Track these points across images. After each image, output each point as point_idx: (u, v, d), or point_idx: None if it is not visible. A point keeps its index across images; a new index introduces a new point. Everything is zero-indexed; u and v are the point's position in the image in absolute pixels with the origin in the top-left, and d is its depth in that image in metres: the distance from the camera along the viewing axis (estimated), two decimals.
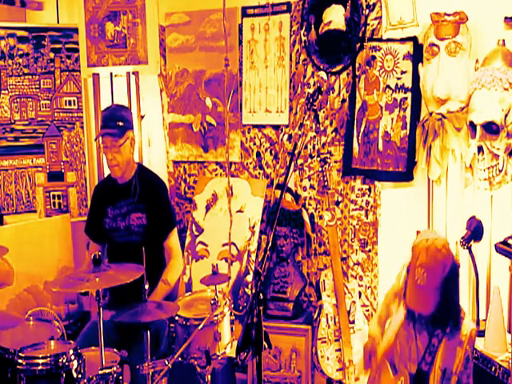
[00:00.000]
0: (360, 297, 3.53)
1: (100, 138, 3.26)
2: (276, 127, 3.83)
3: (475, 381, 2.49)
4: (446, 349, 2.44)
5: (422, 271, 2.35)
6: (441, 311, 2.39)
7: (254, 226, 3.68)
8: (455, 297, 2.44)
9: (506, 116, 2.81)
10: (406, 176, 3.34)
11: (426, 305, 2.39)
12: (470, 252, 2.97)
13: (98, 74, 4.07)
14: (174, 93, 4.10)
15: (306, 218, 3.68)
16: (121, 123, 3.22)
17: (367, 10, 3.46)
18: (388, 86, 3.37)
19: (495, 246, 2.74)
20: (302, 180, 3.76)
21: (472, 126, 2.91)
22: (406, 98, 3.33)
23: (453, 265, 2.40)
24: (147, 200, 3.25)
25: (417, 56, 3.25)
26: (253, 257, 3.64)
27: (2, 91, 3.94)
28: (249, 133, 3.92)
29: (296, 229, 3.69)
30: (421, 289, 2.37)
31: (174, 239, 3.33)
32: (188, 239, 3.86)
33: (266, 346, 2.19)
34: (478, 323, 2.93)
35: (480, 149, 2.91)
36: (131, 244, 3.23)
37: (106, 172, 3.62)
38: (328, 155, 3.66)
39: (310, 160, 3.73)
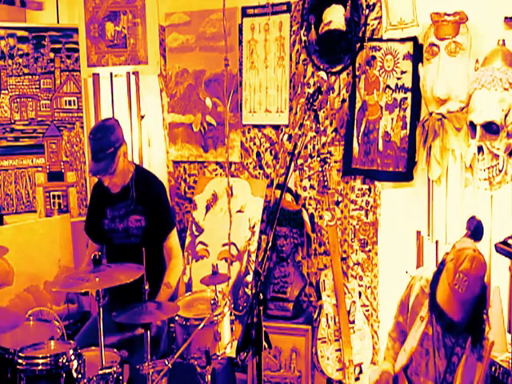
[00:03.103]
0: (360, 297, 3.52)
1: None
2: (276, 127, 3.82)
3: None
4: (465, 365, 2.41)
5: (465, 278, 2.31)
6: (467, 323, 2.36)
7: (254, 226, 3.68)
8: (481, 314, 2.41)
9: (506, 116, 2.81)
10: (406, 176, 3.34)
11: (459, 311, 2.34)
12: None
13: (98, 74, 4.07)
14: (174, 93, 4.10)
15: (306, 218, 3.68)
16: (111, 149, 3.09)
17: (367, 10, 3.45)
18: (388, 86, 3.37)
19: (495, 246, 2.74)
20: (302, 180, 3.76)
21: (472, 125, 2.91)
22: (405, 98, 3.33)
23: (486, 283, 2.41)
24: (146, 202, 3.21)
25: (417, 56, 3.25)
26: (253, 257, 3.64)
27: (2, 91, 3.94)
28: (249, 133, 3.92)
29: (296, 229, 3.69)
30: (458, 295, 2.32)
31: (173, 239, 3.30)
32: (188, 239, 3.86)
33: (266, 346, 2.18)
34: None
35: (480, 149, 2.91)
36: (130, 246, 3.21)
37: None
38: (328, 155, 3.66)
39: (310, 160, 3.73)
